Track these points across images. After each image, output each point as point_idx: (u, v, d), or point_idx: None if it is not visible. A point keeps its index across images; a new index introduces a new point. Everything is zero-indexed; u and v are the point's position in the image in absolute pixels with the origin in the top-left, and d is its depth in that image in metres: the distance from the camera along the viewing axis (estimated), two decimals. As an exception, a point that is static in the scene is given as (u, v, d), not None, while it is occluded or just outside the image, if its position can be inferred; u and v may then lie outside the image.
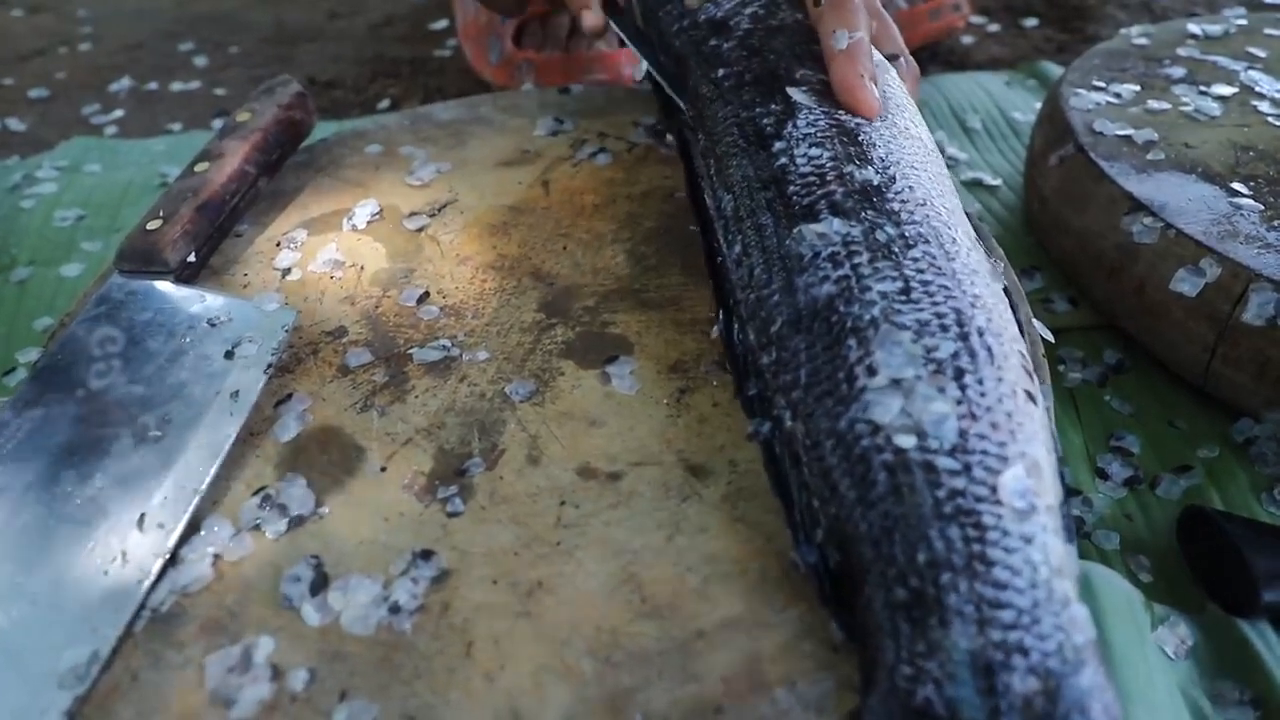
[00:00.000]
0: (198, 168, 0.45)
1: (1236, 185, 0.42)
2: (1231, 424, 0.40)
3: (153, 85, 0.78)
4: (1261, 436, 0.39)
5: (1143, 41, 0.58)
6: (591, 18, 0.49)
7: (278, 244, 0.45)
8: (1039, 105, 0.66)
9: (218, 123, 0.72)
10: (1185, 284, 0.39)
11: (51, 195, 0.63)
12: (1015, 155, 0.61)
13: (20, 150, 0.70)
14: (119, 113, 0.74)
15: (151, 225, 0.41)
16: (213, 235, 0.44)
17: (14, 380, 0.47)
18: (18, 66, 0.83)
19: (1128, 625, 0.31)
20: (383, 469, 0.33)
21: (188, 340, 0.37)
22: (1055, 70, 0.68)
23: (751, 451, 0.32)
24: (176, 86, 0.78)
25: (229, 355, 0.36)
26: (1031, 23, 0.78)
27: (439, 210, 0.47)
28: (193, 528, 0.31)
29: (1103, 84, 0.53)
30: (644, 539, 0.29)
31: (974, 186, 0.58)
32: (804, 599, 0.27)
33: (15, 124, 0.74)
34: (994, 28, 0.77)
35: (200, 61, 0.82)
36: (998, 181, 0.58)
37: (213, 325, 0.38)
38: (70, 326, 0.38)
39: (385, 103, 0.72)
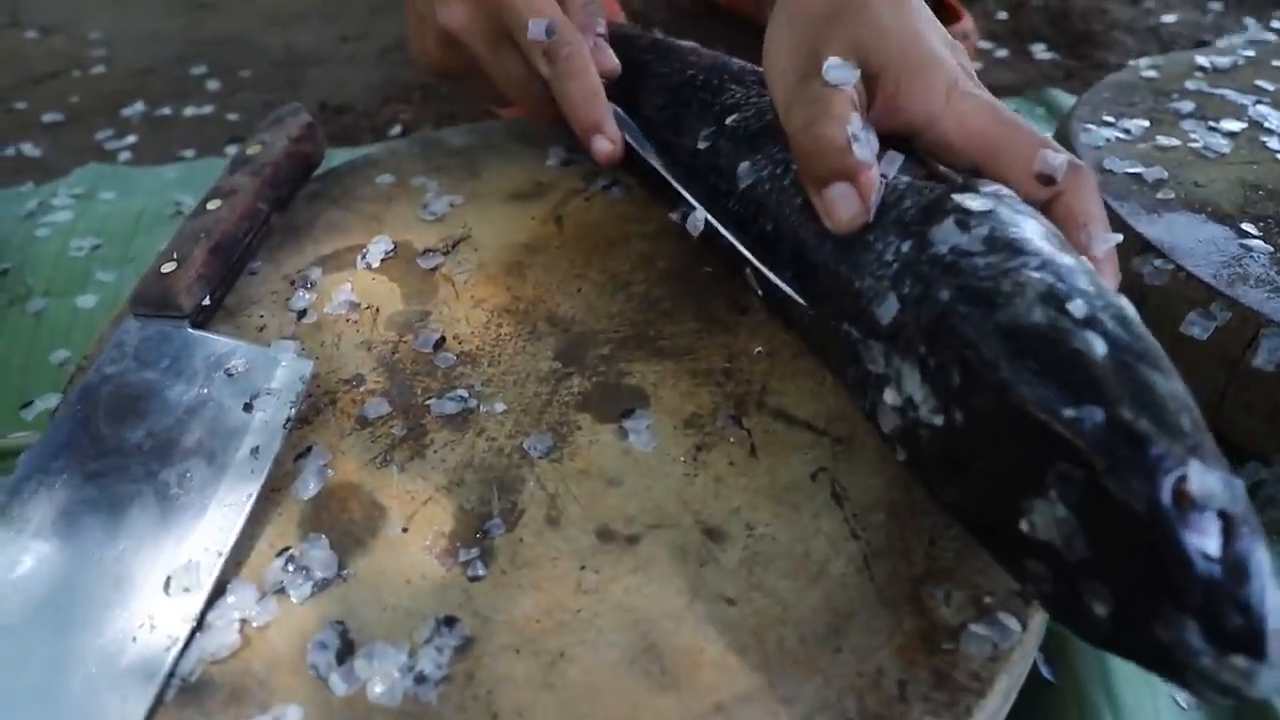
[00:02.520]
0: (210, 205, 0.45)
1: (1246, 226, 0.42)
2: (1241, 466, 0.40)
3: (165, 110, 0.79)
4: (1270, 480, 0.39)
5: (1152, 74, 0.58)
6: (607, 145, 0.43)
7: (292, 282, 0.45)
8: (1048, 134, 0.66)
9: (231, 148, 0.73)
10: (1196, 328, 0.39)
11: (67, 223, 0.64)
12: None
13: (35, 176, 0.71)
14: (132, 138, 0.75)
15: (166, 268, 0.42)
16: (227, 276, 0.44)
17: (31, 414, 0.47)
18: (32, 90, 0.83)
19: (1137, 675, 0.31)
20: (404, 530, 0.33)
21: (205, 391, 0.38)
22: (1064, 98, 0.68)
23: (765, 515, 0.32)
24: (189, 111, 0.78)
25: (247, 408, 0.37)
26: (1039, 48, 0.77)
27: (453, 247, 0.47)
28: (218, 591, 0.32)
29: (1112, 119, 0.53)
30: (663, 606, 0.30)
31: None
32: (820, 672, 0.27)
33: (30, 149, 0.74)
34: (1002, 53, 0.77)
35: (212, 85, 0.82)
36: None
37: (230, 375, 0.38)
38: (87, 374, 0.39)
39: (397, 128, 0.72)
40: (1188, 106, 0.54)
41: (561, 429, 0.36)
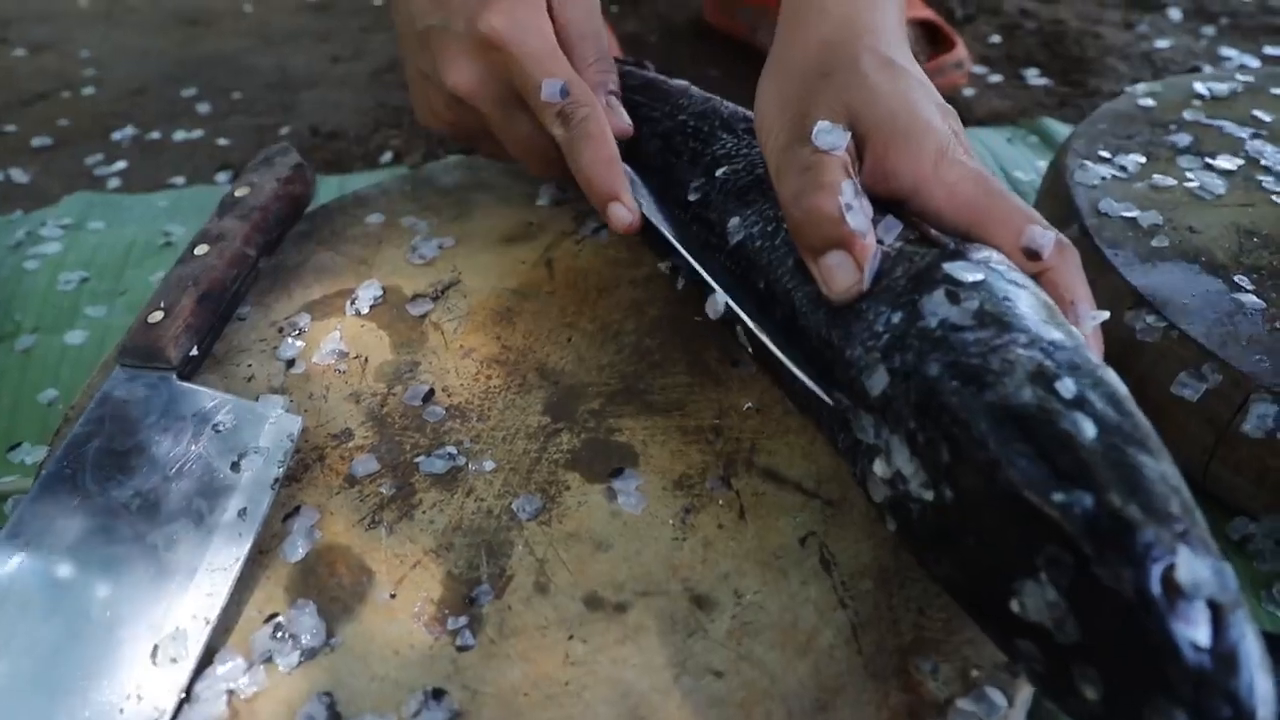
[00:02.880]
0: (197, 250, 0.45)
1: (1239, 278, 0.42)
2: (1227, 521, 0.40)
3: (155, 134, 0.78)
4: (1259, 534, 0.39)
5: (1149, 103, 0.58)
6: (626, 216, 0.40)
7: (280, 329, 0.45)
8: (1041, 164, 0.66)
9: (221, 176, 0.72)
10: (1186, 389, 0.39)
11: (56, 256, 0.63)
12: (1018, 218, 0.61)
13: (23, 204, 0.70)
14: (122, 164, 0.74)
15: (153, 318, 0.42)
16: (215, 324, 0.44)
17: (17, 457, 0.47)
18: (21, 112, 0.83)
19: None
20: (392, 595, 0.33)
21: (193, 449, 0.37)
22: (1057, 128, 0.68)
23: (754, 581, 0.32)
24: (179, 136, 0.78)
25: (235, 467, 0.37)
26: (1033, 72, 0.77)
27: (442, 292, 0.47)
28: (206, 660, 0.31)
29: (1108, 153, 0.53)
30: (651, 679, 0.30)
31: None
32: (809, 752, 0.27)
33: (18, 175, 0.74)
34: (995, 78, 0.77)
35: (203, 108, 0.82)
36: (1001, 248, 0.58)
37: (218, 431, 0.38)
38: (74, 428, 0.38)
39: (388, 155, 0.72)
40: (1185, 140, 0.54)
41: (550, 489, 0.36)
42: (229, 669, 0.31)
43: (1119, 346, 0.42)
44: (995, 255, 0.32)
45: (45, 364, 0.54)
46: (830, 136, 0.34)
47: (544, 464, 0.37)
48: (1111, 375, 0.28)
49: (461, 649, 0.31)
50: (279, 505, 0.36)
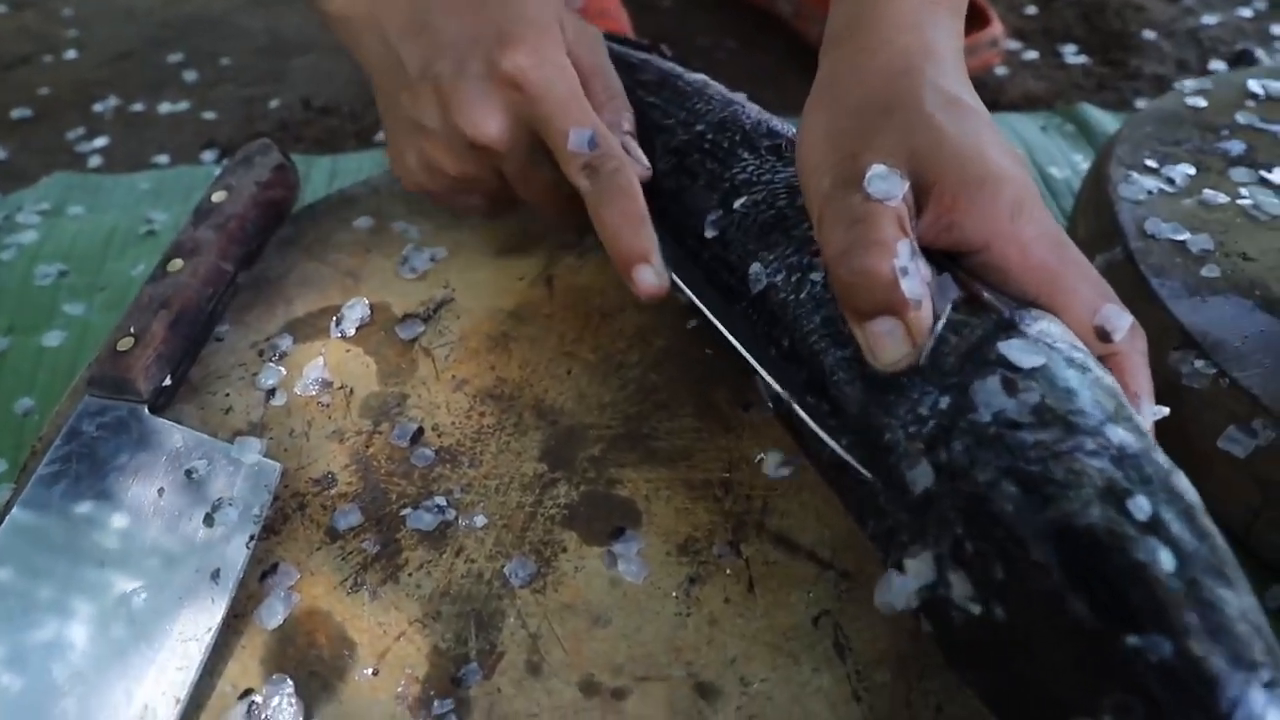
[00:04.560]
0: (170, 266, 0.42)
1: (1297, 319, 0.39)
2: (1267, 588, 0.37)
3: (139, 106, 0.74)
4: (1300, 602, 0.36)
5: (1199, 102, 0.53)
6: (653, 281, 0.36)
7: (260, 352, 0.42)
8: (1077, 158, 0.62)
9: (206, 154, 0.69)
10: (1235, 445, 0.36)
11: (32, 245, 0.60)
12: (1052, 221, 0.57)
13: (1, 183, 0.67)
14: (103, 140, 0.71)
15: (123, 345, 0.39)
16: (189, 350, 0.41)
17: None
18: (2, 78, 0.79)
19: None
20: (374, 672, 0.31)
21: (164, 499, 0.35)
22: (1095, 115, 0.64)
23: (762, 667, 0.30)
24: (164, 108, 0.74)
25: (209, 521, 0.34)
26: (1070, 49, 0.72)
27: (434, 312, 0.44)
28: (175, 742, 0.29)
29: (1155, 163, 0.49)
30: (649, 782, 0.28)
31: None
32: None
33: (-3, 151, 0.71)
34: (1030, 55, 0.72)
35: (189, 76, 0.77)
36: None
37: (190, 477, 0.36)
38: (40, 467, 0.36)
39: (381, 134, 0.68)
40: (1237, 148, 0.49)
41: (545, 550, 0.34)
42: (200, 754, 0.29)
43: (1161, 389, 0.39)
44: (1055, 329, 0.29)
45: (20, 369, 0.52)
46: (885, 184, 0.29)
47: (539, 520, 0.35)
48: (1183, 483, 0.25)
49: (447, 738, 0.29)
50: (256, 561, 0.34)
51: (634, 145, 0.40)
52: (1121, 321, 0.29)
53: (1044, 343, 0.27)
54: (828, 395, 0.31)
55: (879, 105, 0.32)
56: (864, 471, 0.29)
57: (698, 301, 0.37)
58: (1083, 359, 0.28)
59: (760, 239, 0.35)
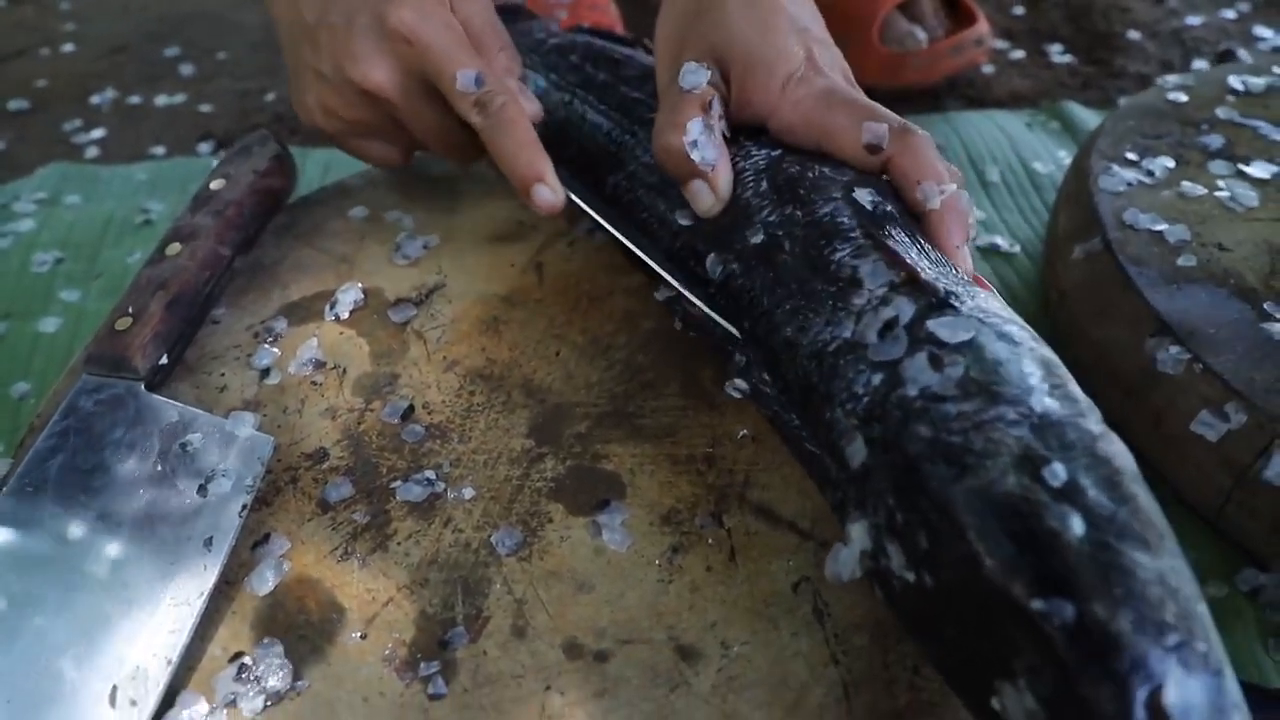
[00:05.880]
0: (169, 250, 0.43)
1: (1269, 306, 0.40)
2: (1236, 573, 0.38)
3: (136, 98, 0.75)
4: (1269, 585, 0.37)
5: (1180, 97, 0.55)
6: (549, 195, 0.40)
7: (255, 334, 0.43)
8: (1061, 154, 0.63)
9: (203, 146, 0.70)
10: (1207, 428, 0.37)
11: (29, 233, 0.61)
12: (1035, 215, 0.58)
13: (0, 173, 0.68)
14: (100, 132, 0.71)
15: (120, 325, 0.39)
16: (186, 330, 0.42)
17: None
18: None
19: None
20: (363, 635, 0.32)
21: (159, 469, 0.36)
22: (1080, 113, 0.65)
23: (742, 631, 0.31)
24: (161, 100, 0.75)
25: (202, 491, 0.35)
26: (1056, 49, 0.73)
27: (426, 297, 0.44)
28: (167, 701, 0.30)
29: (1135, 156, 0.50)
30: (630, 740, 0.28)
31: (989, 254, 0.55)
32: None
33: (-6, 141, 0.71)
34: (1017, 54, 0.73)
35: (186, 70, 0.78)
36: (1015, 248, 0.55)
37: (185, 449, 0.36)
38: (38, 441, 0.37)
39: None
40: (1216, 142, 0.51)
41: (532, 521, 0.34)
42: (191, 713, 0.30)
43: (1137, 374, 0.40)
44: (992, 304, 0.29)
45: (17, 354, 0.53)
46: (692, 77, 0.36)
47: (526, 493, 0.35)
48: (1113, 447, 0.25)
49: (433, 697, 0.30)
50: (248, 531, 0.35)
51: (526, 89, 0.45)
52: (880, 128, 0.33)
53: (975, 318, 0.28)
54: (778, 373, 0.32)
55: (694, 11, 0.39)
56: (805, 432, 0.31)
57: (602, 221, 0.41)
58: (1018, 333, 0.28)
59: (715, 240, 0.37)
